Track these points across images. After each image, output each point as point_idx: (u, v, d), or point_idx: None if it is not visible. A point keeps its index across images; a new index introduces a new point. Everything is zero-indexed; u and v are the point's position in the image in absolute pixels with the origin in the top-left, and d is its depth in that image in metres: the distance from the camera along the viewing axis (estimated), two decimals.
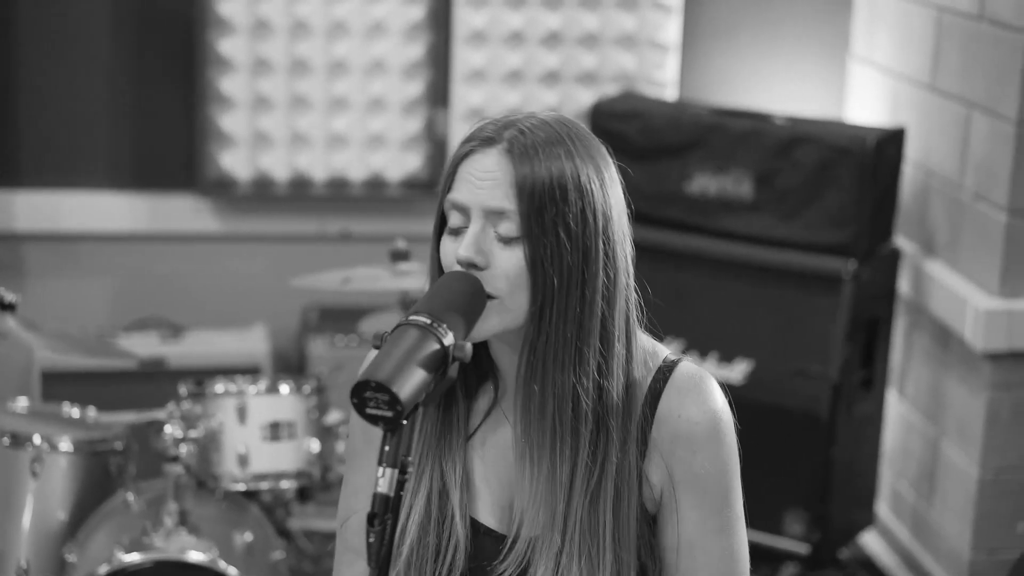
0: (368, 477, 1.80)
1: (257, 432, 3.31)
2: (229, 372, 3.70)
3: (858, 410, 4.03)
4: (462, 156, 1.74)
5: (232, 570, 3.01)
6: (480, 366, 1.81)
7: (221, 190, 4.49)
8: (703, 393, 1.77)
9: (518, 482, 1.77)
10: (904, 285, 4.13)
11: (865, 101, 4.49)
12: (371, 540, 1.56)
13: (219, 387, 3.32)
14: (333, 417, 3.43)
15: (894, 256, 4.11)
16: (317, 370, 4.04)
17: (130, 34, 4.40)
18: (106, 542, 3.08)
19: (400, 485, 1.56)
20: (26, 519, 3.17)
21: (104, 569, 2.98)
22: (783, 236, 3.98)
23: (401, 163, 4.56)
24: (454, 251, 1.72)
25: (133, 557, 3.00)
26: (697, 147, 4.06)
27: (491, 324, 1.71)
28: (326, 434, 3.39)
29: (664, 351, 1.82)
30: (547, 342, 1.71)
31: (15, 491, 3.17)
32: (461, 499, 1.79)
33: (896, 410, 4.25)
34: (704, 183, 4.07)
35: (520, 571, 1.77)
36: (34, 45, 4.36)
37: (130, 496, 3.17)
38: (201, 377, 3.41)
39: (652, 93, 4.53)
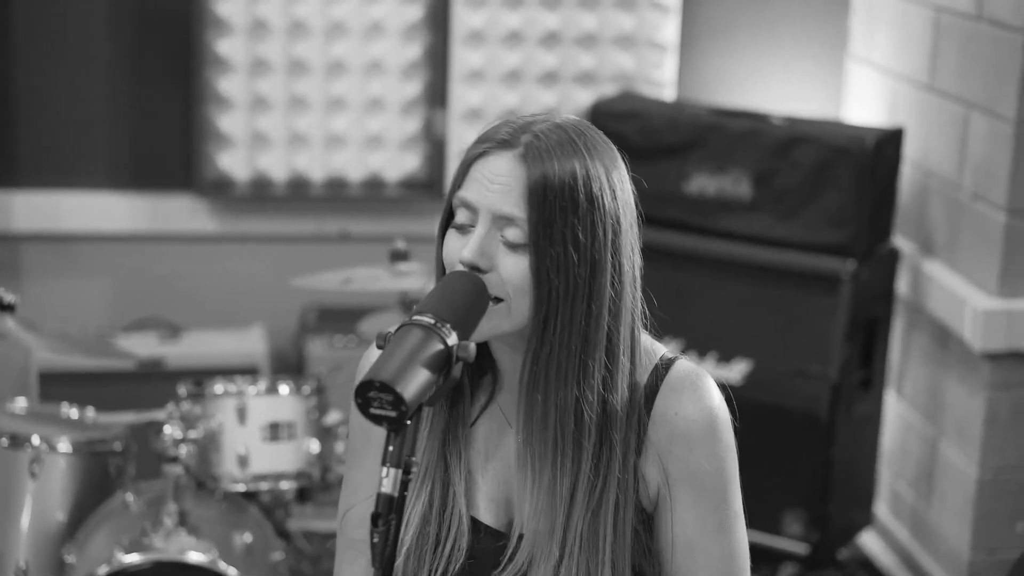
0: (368, 474, 1.81)
1: (257, 433, 3.31)
2: (228, 372, 3.69)
3: (857, 410, 4.03)
4: (476, 156, 1.72)
5: (232, 571, 3.01)
6: (479, 361, 1.80)
7: (219, 190, 4.48)
8: (699, 391, 1.76)
9: (519, 490, 1.76)
10: (903, 285, 4.13)
11: (863, 101, 4.49)
12: (375, 540, 1.56)
13: (218, 388, 3.32)
14: (332, 418, 3.42)
15: (893, 256, 4.11)
16: (316, 371, 4.04)
17: (128, 34, 4.40)
18: (105, 543, 3.08)
19: (404, 485, 1.56)
20: (25, 520, 3.16)
21: (103, 570, 2.98)
22: (782, 236, 3.98)
23: (400, 163, 4.56)
24: (458, 249, 1.71)
25: (132, 558, 3.00)
26: (696, 147, 4.06)
27: (492, 325, 1.70)
28: (326, 435, 3.39)
29: (661, 349, 1.81)
30: (551, 353, 1.70)
31: (14, 492, 3.16)
32: (463, 491, 1.79)
33: (895, 410, 4.25)
34: (703, 183, 4.06)
35: None
36: (33, 45, 4.36)
37: (129, 497, 3.17)
38: (200, 377, 3.40)
39: (650, 93, 4.52)
